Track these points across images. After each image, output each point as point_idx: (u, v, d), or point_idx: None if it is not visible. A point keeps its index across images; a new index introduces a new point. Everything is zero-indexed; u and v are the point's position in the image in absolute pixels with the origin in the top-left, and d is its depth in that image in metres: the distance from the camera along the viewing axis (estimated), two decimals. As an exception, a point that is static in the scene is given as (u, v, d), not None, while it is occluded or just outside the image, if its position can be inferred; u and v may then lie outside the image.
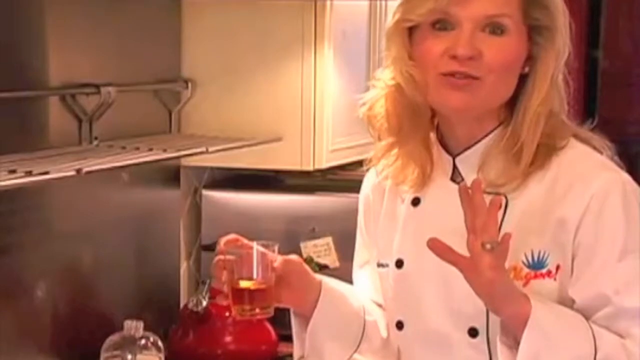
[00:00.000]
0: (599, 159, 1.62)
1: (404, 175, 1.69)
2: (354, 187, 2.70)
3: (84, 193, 2.33)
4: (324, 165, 2.67)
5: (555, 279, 1.57)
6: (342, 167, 2.80)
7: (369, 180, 1.80)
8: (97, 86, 2.28)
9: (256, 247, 1.69)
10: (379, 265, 1.75)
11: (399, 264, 1.69)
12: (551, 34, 1.59)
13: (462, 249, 1.49)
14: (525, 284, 1.55)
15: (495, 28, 1.56)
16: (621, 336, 1.54)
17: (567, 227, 1.56)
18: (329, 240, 2.72)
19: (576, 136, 1.64)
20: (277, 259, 1.68)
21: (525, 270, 1.57)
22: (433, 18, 1.57)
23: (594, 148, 1.64)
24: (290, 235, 2.73)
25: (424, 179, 1.67)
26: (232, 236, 1.70)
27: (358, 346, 1.77)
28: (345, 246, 2.53)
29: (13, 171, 1.85)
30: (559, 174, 1.59)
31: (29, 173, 1.86)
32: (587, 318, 1.54)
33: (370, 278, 1.80)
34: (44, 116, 2.26)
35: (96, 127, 2.32)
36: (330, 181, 2.85)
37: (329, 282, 1.77)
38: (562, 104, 1.63)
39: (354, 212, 2.60)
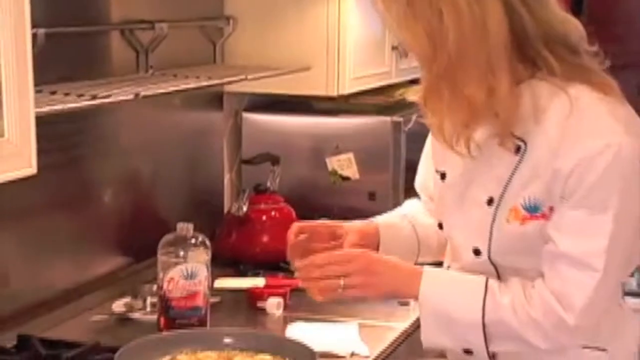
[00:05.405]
0: (606, 120, 1.54)
1: None
2: (372, 110, 2.85)
3: (141, 114, 2.44)
4: (347, 91, 2.75)
5: (548, 220, 1.57)
6: (362, 93, 2.87)
7: None
8: (152, 22, 2.37)
9: (321, 223, 1.81)
10: (435, 171, 1.78)
11: (443, 176, 1.73)
12: None
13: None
14: (522, 223, 1.58)
15: None
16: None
17: (559, 177, 1.54)
18: (350, 155, 2.81)
19: (592, 84, 1.57)
20: (349, 234, 1.79)
21: (523, 212, 1.58)
22: None
23: (607, 94, 1.57)
24: (317, 151, 2.86)
25: None
26: (295, 227, 1.81)
27: (417, 257, 1.87)
28: (364, 161, 2.82)
29: (81, 95, 1.94)
30: (569, 123, 1.54)
31: (94, 97, 1.94)
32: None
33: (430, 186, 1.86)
34: (107, 48, 2.35)
35: (151, 58, 2.42)
36: (352, 105, 2.91)
37: (383, 223, 1.88)
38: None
39: (372, 131, 2.77)
